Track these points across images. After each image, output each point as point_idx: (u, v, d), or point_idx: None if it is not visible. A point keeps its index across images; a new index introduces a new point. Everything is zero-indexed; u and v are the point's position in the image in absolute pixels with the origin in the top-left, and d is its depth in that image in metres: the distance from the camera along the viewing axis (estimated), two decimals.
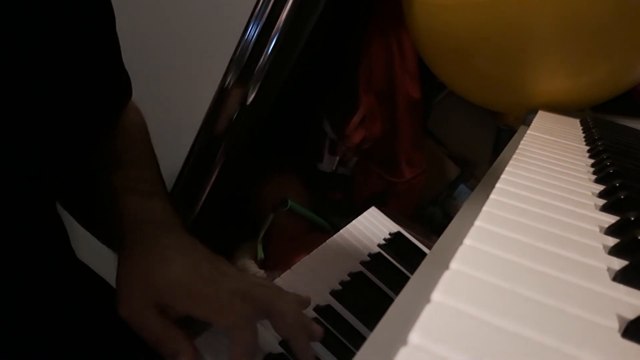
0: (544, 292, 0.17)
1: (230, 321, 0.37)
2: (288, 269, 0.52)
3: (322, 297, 0.51)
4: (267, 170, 0.88)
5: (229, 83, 0.67)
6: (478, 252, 0.19)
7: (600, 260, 0.21)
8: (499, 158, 0.38)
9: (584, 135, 0.49)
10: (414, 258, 0.62)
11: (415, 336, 0.14)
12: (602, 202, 0.28)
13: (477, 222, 0.22)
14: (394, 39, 0.81)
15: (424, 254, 0.64)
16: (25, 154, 0.35)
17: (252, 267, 0.77)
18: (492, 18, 0.59)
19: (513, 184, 0.28)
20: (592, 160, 0.37)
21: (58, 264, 0.43)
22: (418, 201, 0.91)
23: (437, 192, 0.92)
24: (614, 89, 0.66)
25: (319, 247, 0.56)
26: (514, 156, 0.34)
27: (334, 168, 0.88)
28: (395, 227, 0.67)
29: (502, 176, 0.29)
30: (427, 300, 0.15)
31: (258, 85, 0.66)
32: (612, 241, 0.23)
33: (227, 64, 0.67)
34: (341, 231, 0.61)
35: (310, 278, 0.52)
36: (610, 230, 0.24)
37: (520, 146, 0.38)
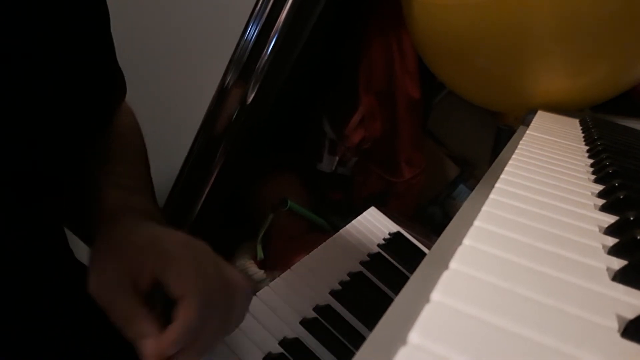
0: (543, 292, 0.17)
1: (188, 290, 0.34)
2: (288, 269, 0.52)
3: (322, 297, 0.51)
4: (267, 170, 0.88)
5: (228, 83, 0.67)
6: (477, 252, 0.19)
7: (599, 260, 0.21)
8: (498, 158, 0.38)
9: (583, 135, 0.49)
10: (413, 258, 0.62)
11: (414, 336, 0.14)
12: (601, 202, 0.28)
13: (477, 222, 0.22)
14: (394, 39, 0.81)
15: (423, 254, 0.64)
16: (23, 154, 0.35)
17: (252, 267, 0.77)
18: (492, 18, 0.59)
19: (512, 184, 0.28)
20: (591, 160, 0.37)
21: (57, 264, 0.43)
22: (418, 201, 0.91)
23: (436, 192, 0.92)
24: (613, 89, 0.66)
25: (319, 247, 0.56)
26: (514, 156, 0.34)
27: (333, 168, 0.88)
28: (394, 227, 0.67)
29: (502, 176, 0.29)
30: (426, 300, 0.15)
31: (258, 85, 0.66)
32: (611, 241, 0.23)
33: (226, 64, 0.67)
34: (341, 231, 0.61)
35: (309, 278, 0.52)
36: (610, 230, 0.24)
37: (519, 146, 0.37)
